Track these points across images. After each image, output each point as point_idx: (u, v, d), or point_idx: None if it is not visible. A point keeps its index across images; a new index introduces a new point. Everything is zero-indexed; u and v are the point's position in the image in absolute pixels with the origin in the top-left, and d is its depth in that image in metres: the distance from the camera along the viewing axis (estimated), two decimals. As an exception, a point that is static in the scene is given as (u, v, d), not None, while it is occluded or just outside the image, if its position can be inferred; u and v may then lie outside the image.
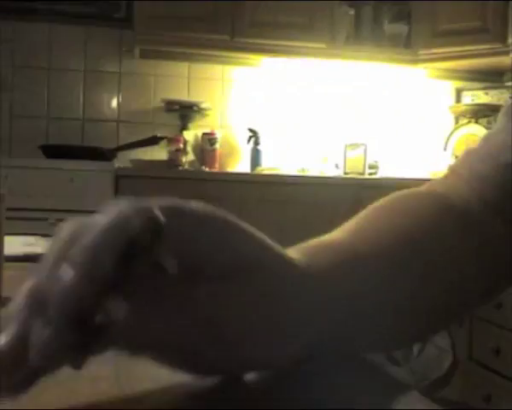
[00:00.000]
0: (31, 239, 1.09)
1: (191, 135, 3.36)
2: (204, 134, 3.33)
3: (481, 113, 3.49)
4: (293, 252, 0.44)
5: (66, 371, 0.37)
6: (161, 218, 0.32)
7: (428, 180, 0.60)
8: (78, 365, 0.32)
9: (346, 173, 3.31)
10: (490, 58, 3.31)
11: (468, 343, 2.90)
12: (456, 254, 0.52)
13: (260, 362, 0.40)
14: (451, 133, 3.58)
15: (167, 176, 2.92)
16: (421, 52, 3.37)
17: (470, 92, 3.68)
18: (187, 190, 2.86)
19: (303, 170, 3.35)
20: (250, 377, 0.39)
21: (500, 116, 0.59)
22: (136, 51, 3.35)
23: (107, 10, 3.29)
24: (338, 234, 0.51)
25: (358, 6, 3.43)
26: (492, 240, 0.54)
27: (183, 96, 3.44)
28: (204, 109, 3.42)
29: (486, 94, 3.65)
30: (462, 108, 3.58)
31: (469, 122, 3.53)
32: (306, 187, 2.97)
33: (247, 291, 0.38)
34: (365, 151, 3.30)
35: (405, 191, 0.56)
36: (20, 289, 0.32)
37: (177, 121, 3.40)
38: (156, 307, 0.34)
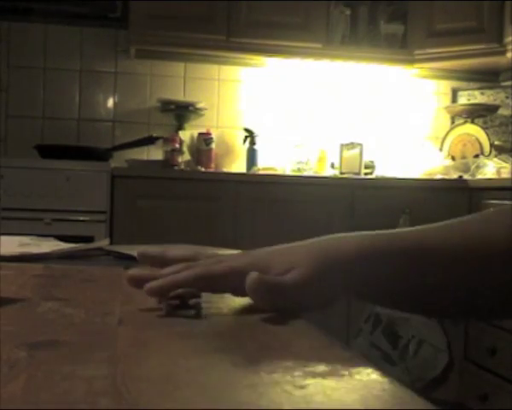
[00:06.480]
0: (27, 239, 1.09)
1: (187, 135, 3.36)
2: (200, 134, 3.33)
3: (477, 113, 3.49)
4: None
5: (62, 371, 0.37)
6: None
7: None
8: None
9: (341, 173, 3.31)
10: (486, 58, 3.31)
11: (464, 343, 2.90)
12: None
13: None
14: (447, 133, 3.59)
15: (163, 176, 2.91)
16: (416, 52, 3.37)
17: (466, 92, 3.68)
18: (183, 190, 2.86)
19: (299, 170, 3.36)
20: None
21: None
22: (132, 51, 3.35)
23: (103, 10, 3.28)
24: None
25: (354, 6, 3.43)
26: None
27: (178, 95, 3.44)
28: (200, 109, 3.41)
29: (482, 94, 3.65)
30: (458, 107, 3.58)
31: (465, 122, 3.53)
32: (302, 187, 2.97)
33: None
34: (361, 151, 3.30)
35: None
36: None
37: (173, 121, 3.40)
38: None
